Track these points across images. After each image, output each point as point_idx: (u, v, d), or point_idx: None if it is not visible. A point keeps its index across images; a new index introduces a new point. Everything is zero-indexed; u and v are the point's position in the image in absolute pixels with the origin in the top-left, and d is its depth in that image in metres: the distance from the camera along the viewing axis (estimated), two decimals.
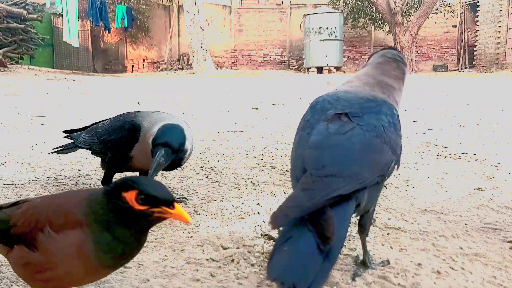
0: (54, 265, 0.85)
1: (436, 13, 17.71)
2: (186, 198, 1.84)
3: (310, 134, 1.07)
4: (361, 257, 1.24)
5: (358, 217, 1.15)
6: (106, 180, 1.86)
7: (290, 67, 19.03)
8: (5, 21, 12.14)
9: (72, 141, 2.02)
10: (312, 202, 0.87)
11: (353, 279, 1.16)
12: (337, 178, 0.92)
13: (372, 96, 1.20)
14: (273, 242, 1.39)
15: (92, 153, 1.90)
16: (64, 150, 2.10)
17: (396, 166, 1.13)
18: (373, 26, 18.45)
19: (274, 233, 1.46)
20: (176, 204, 0.83)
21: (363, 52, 19.29)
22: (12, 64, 12.50)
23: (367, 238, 1.40)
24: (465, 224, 1.57)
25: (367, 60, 1.42)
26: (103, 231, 0.83)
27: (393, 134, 1.14)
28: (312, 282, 0.78)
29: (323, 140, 1.02)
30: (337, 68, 16.50)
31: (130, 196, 0.82)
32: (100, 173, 2.25)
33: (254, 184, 2.07)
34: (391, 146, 1.10)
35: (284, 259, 0.82)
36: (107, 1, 16.68)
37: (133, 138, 1.66)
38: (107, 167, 1.85)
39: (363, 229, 1.16)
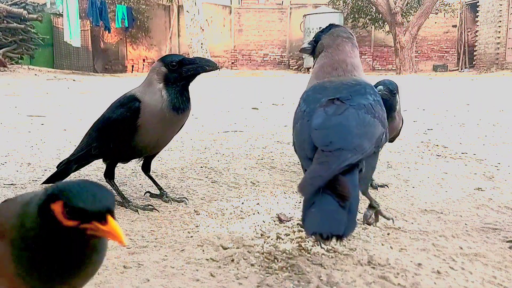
0: None
1: (436, 13, 17.71)
2: (186, 198, 1.84)
3: (310, 121, 1.22)
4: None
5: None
6: (109, 173, 1.77)
7: (290, 67, 19.03)
8: (5, 21, 12.14)
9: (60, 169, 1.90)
10: (329, 172, 1.02)
11: (368, 223, 1.40)
12: (344, 151, 1.08)
13: (355, 81, 1.37)
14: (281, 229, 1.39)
15: (91, 157, 1.82)
16: (55, 176, 1.93)
17: (385, 137, 1.29)
18: (373, 26, 18.45)
19: (272, 233, 1.46)
20: (110, 219, 0.66)
21: (363, 52, 19.28)
22: (12, 64, 12.51)
23: (367, 237, 1.40)
24: (465, 224, 1.57)
25: (316, 40, 1.58)
26: (27, 249, 0.69)
27: (380, 110, 1.28)
28: (346, 229, 0.95)
29: (324, 121, 1.18)
30: None
31: (57, 208, 0.66)
32: (100, 173, 2.25)
33: (254, 184, 2.07)
34: (380, 120, 1.25)
35: (315, 217, 0.97)
36: (107, 1, 16.68)
37: (135, 108, 1.61)
38: (110, 157, 1.76)
39: (364, 189, 1.31)
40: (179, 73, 1.62)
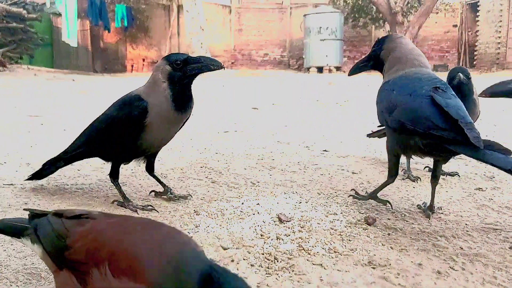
0: None
1: (437, 13, 17.69)
2: (190, 195, 1.84)
3: (429, 100, 1.44)
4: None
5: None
6: (113, 173, 1.77)
7: (290, 67, 19.02)
8: (4, 21, 12.13)
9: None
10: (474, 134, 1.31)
11: (368, 223, 1.55)
12: (470, 122, 1.36)
13: (433, 75, 1.61)
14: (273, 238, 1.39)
15: (87, 156, 1.82)
16: (42, 173, 1.93)
17: None
18: (373, 26, 18.43)
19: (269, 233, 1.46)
20: None
21: (363, 52, 19.27)
22: (11, 64, 12.49)
23: (367, 237, 1.40)
24: (466, 224, 1.57)
25: (380, 45, 1.77)
26: None
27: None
28: None
29: (449, 102, 1.42)
30: (338, 68, 16.49)
31: None
32: (101, 173, 2.25)
33: (254, 184, 2.07)
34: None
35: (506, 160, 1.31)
36: (106, 1, 16.67)
37: (143, 108, 1.61)
38: (112, 157, 1.77)
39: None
40: (184, 71, 1.62)
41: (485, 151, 1.28)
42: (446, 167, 2.41)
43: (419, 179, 2.14)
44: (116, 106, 1.72)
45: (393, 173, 1.66)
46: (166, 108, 1.61)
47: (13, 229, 0.90)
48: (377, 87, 1.82)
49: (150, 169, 1.89)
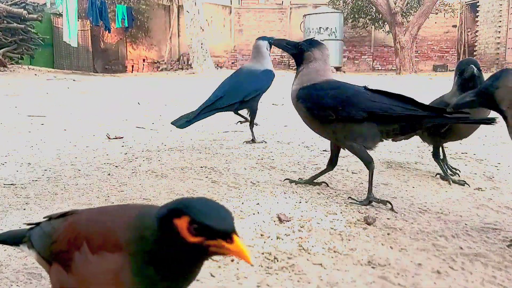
0: None
1: (436, 13, 17.69)
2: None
3: (366, 94, 1.79)
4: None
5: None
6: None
7: (290, 67, 19.02)
8: (5, 21, 12.13)
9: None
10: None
11: (368, 223, 1.56)
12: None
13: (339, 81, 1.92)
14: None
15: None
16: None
17: None
18: (373, 26, 18.43)
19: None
20: (235, 238, 0.67)
21: (363, 52, 19.28)
22: (12, 64, 12.50)
23: (367, 237, 1.40)
24: (465, 224, 1.57)
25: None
26: (147, 263, 0.70)
27: None
28: None
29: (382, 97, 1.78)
30: (337, 68, 16.49)
31: (181, 224, 0.67)
32: (101, 173, 2.25)
33: (254, 184, 2.07)
34: None
35: None
36: (107, 1, 16.67)
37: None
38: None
39: None
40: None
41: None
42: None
43: (466, 184, 2.07)
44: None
45: (370, 159, 1.80)
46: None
47: (13, 238, 0.96)
48: (376, 87, 1.83)
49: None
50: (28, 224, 0.97)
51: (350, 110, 1.71)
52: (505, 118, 1.39)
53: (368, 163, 1.79)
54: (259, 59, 2.71)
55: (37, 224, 0.93)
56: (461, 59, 2.15)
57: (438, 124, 1.91)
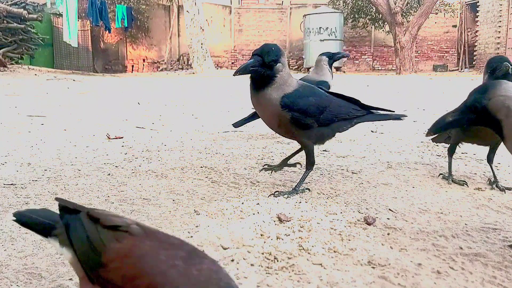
0: None
1: (436, 13, 17.69)
2: (299, 163, 2.09)
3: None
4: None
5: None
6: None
7: (290, 67, 19.01)
8: (5, 21, 12.12)
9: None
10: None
11: (368, 223, 1.57)
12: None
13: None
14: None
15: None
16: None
17: None
18: (373, 26, 18.43)
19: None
20: None
21: (363, 52, 19.28)
22: (12, 64, 12.49)
23: (367, 237, 1.40)
24: (465, 224, 1.57)
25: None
26: None
27: None
28: None
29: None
30: (337, 68, 16.48)
31: None
32: (101, 174, 2.25)
33: (254, 184, 2.07)
34: None
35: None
36: (107, 1, 16.67)
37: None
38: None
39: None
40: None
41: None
42: (445, 165, 2.41)
43: (465, 184, 2.06)
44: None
45: (314, 161, 1.96)
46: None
47: (41, 226, 0.79)
48: (376, 87, 1.83)
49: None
50: (61, 204, 0.80)
51: (328, 117, 1.87)
52: (499, 130, 1.32)
53: (312, 164, 1.93)
54: (317, 71, 3.22)
55: (72, 210, 0.78)
56: (495, 57, 2.07)
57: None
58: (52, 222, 0.79)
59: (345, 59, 17.86)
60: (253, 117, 3.03)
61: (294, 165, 2.12)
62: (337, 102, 1.92)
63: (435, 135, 2.36)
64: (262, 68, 1.74)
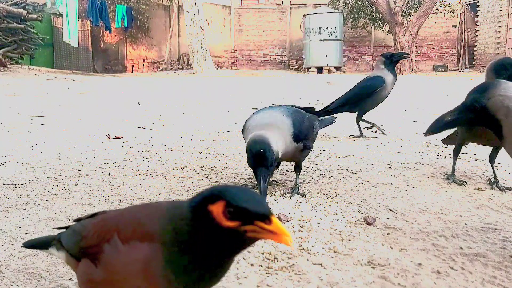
0: (116, 284, 0.74)
1: (436, 13, 17.70)
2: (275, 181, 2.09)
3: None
4: None
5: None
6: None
7: (290, 67, 19.02)
8: (5, 21, 12.13)
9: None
10: None
11: (368, 223, 1.55)
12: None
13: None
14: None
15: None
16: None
17: None
18: (373, 26, 18.43)
19: None
20: (274, 219, 0.64)
21: (363, 52, 19.28)
22: (12, 64, 12.49)
23: (367, 237, 1.40)
24: (465, 224, 1.57)
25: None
26: (181, 252, 0.68)
27: None
28: None
29: None
30: (337, 68, 16.49)
31: (217, 209, 0.65)
32: (101, 174, 2.25)
33: (254, 184, 2.07)
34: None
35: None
36: (107, 1, 16.67)
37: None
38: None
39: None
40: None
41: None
42: (445, 165, 2.41)
43: (465, 183, 2.08)
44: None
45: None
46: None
47: (43, 243, 0.97)
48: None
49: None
50: (58, 229, 0.99)
51: (315, 132, 2.02)
52: (498, 130, 1.31)
53: (301, 169, 2.03)
54: (376, 69, 3.43)
55: (66, 228, 0.94)
56: (506, 58, 2.03)
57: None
58: (51, 238, 0.96)
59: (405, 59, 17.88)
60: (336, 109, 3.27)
61: (270, 183, 2.08)
62: (311, 117, 2.02)
63: (444, 138, 2.39)
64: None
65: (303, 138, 1.84)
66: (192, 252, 0.68)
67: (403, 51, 14.96)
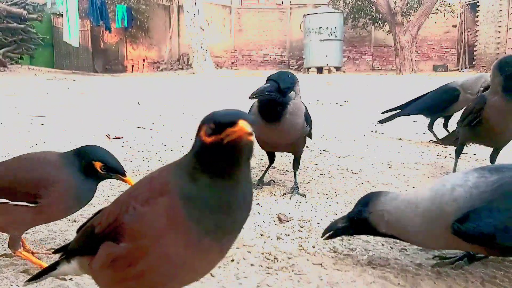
0: (145, 250, 0.73)
1: (436, 13, 17.69)
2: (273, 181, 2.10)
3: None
4: None
5: None
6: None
7: (290, 67, 19.02)
8: (5, 21, 12.14)
9: None
10: None
11: None
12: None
13: None
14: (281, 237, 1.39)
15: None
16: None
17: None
18: (373, 26, 18.43)
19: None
20: (239, 122, 0.73)
21: (363, 52, 19.28)
22: (12, 64, 12.50)
23: (367, 237, 1.40)
24: None
25: None
26: (190, 183, 0.73)
27: None
28: None
29: None
30: (337, 68, 16.50)
31: (202, 133, 0.74)
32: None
33: (254, 184, 2.07)
34: None
35: None
36: (107, 1, 16.67)
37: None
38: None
39: None
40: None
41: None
42: (445, 165, 2.41)
43: None
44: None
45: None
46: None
47: (47, 269, 0.97)
48: (376, 87, 1.82)
49: None
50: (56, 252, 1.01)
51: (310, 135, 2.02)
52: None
53: (299, 165, 2.03)
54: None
55: (66, 246, 0.95)
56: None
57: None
58: (53, 264, 0.96)
59: (344, 59, 17.87)
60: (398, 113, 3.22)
61: (268, 182, 2.10)
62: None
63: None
64: (277, 93, 1.69)
65: (310, 123, 1.92)
66: (203, 186, 0.72)
67: (403, 51, 15.00)
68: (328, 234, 1.30)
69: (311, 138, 2.03)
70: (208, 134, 0.73)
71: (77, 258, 0.89)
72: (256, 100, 1.76)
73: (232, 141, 0.71)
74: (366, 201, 1.29)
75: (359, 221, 1.26)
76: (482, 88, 2.82)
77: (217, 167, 0.73)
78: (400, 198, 1.22)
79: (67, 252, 0.93)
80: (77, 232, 0.96)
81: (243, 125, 0.71)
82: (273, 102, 1.70)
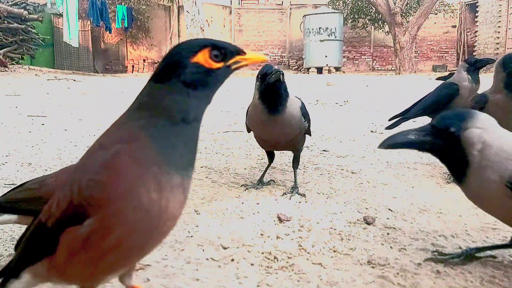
0: (117, 211, 0.68)
1: (436, 14, 17.70)
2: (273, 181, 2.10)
3: None
4: None
5: None
6: None
7: (290, 67, 19.03)
8: (5, 22, 12.13)
9: None
10: None
11: (368, 223, 1.56)
12: None
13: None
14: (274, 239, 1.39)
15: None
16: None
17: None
18: (372, 27, 18.44)
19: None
20: (247, 51, 0.80)
21: (363, 52, 19.29)
22: (12, 64, 12.49)
23: (367, 237, 1.40)
24: (465, 224, 1.57)
25: None
26: (156, 127, 0.73)
27: None
28: None
29: None
30: (337, 68, 16.50)
31: (203, 56, 0.74)
32: None
33: (254, 184, 2.07)
34: None
35: None
36: (107, 2, 16.68)
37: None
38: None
39: None
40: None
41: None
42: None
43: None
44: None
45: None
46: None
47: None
48: (375, 88, 1.83)
49: None
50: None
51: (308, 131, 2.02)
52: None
53: (299, 163, 2.05)
54: (456, 74, 3.11)
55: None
56: (465, 57, 1.97)
57: None
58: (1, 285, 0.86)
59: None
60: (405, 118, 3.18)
61: (268, 182, 2.10)
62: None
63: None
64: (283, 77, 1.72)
65: (308, 119, 1.93)
66: (169, 127, 0.73)
67: (403, 51, 14.99)
68: (389, 143, 1.10)
69: (310, 135, 2.04)
70: (215, 60, 0.75)
71: (29, 269, 0.81)
72: (258, 90, 1.77)
73: (239, 66, 0.78)
74: (463, 115, 1.08)
75: (447, 136, 1.06)
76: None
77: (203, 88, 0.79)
78: (498, 125, 1.08)
79: (11, 269, 0.84)
80: (16, 249, 0.87)
81: (253, 54, 0.78)
82: (279, 85, 1.73)
